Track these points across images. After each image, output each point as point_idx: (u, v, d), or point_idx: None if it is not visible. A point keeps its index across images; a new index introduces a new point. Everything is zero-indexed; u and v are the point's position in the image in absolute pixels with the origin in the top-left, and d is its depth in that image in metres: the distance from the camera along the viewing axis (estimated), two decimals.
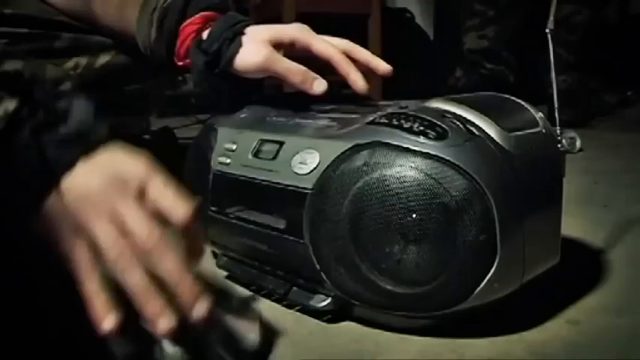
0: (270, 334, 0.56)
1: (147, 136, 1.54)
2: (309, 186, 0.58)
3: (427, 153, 0.53)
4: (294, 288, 0.64)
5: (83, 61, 0.85)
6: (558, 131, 0.78)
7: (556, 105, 0.79)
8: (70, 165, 0.50)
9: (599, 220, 0.92)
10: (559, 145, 0.65)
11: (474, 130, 0.55)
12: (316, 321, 0.61)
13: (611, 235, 0.84)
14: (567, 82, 1.85)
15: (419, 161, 0.53)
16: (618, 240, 0.83)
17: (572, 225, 0.83)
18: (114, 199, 0.49)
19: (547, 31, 0.79)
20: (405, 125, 0.55)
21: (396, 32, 2.41)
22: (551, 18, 0.80)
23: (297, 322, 0.61)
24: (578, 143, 1.47)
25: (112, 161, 0.52)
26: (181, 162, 0.77)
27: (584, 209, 0.98)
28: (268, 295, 0.66)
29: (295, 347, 0.57)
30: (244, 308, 0.58)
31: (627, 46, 2.36)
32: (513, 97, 0.65)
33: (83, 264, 0.49)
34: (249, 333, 0.55)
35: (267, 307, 0.65)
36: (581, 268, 0.74)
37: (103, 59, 0.87)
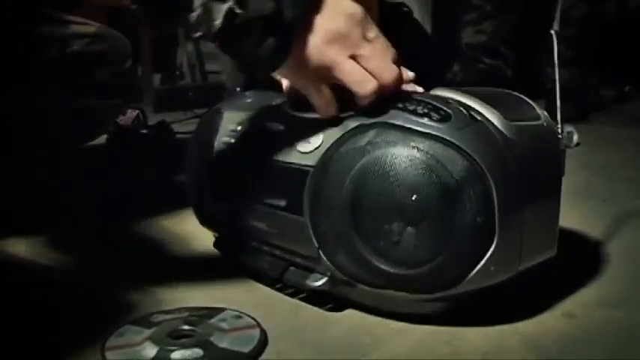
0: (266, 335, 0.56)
1: (144, 131, 1.54)
2: (311, 163, 0.59)
3: (430, 134, 0.54)
4: (291, 268, 0.64)
5: (54, 49, 0.88)
6: (559, 127, 0.78)
7: (558, 103, 0.79)
8: (304, 9, 0.57)
9: (597, 214, 0.92)
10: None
11: (477, 116, 0.56)
12: (311, 312, 0.61)
13: (609, 229, 0.84)
14: (565, 77, 1.84)
15: (422, 142, 0.54)
16: (616, 234, 0.83)
17: (571, 218, 0.83)
18: (356, 41, 0.58)
19: (552, 32, 0.79)
20: (410, 107, 0.56)
21: (393, 27, 2.40)
22: (557, 18, 0.79)
23: (293, 313, 0.61)
24: (575, 138, 1.47)
25: (336, 4, 0.59)
26: (179, 156, 0.77)
27: (583, 203, 0.98)
28: (264, 277, 0.67)
29: (291, 339, 0.56)
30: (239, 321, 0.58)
31: (626, 40, 2.35)
32: (514, 92, 0.65)
33: (325, 100, 0.59)
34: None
35: (264, 298, 0.65)
36: (578, 262, 0.74)
37: (75, 47, 0.90)
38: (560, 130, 0.65)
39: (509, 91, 0.66)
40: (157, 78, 2.48)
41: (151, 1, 0.57)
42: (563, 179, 0.63)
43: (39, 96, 0.92)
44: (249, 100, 0.73)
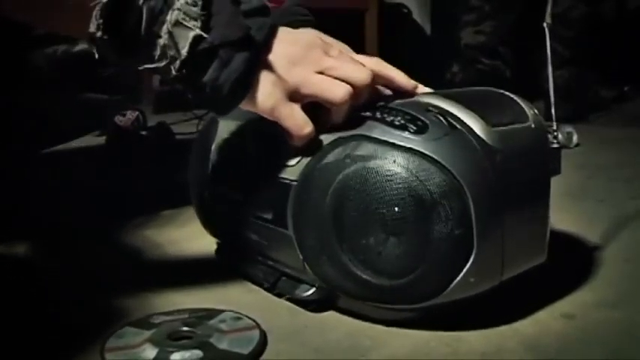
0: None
1: (144, 132, 1.54)
2: (294, 177, 0.59)
3: (406, 147, 0.54)
4: (283, 277, 0.65)
5: (61, 48, 0.88)
6: (555, 126, 0.78)
7: (552, 100, 0.79)
8: (269, 35, 0.57)
9: (595, 215, 0.92)
10: (555, 141, 0.65)
11: (456, 124, 0.55)
12: (311, 314, 0.61)
13: (607, 230, 0.84)
14: (564, 77, 1.85)
15: (398, 155, 0.54)
16: (613, 234, 0.83)
17: (568, 219, 0.84)
18: (318, 58, 0.58)
19: (544, 24, 0.79)
20: (388, 119, 0.56)
21: (393, 28, 2.40)
22: (549, 11, 0.79)
23: (291, 315, 0.62)
24: (575, 138, 1.47)
25: (294, 32, 0.60)
26: (178, 157, 0.78)
27: (580, 204, 0.98)
28: (260, 284, 0.67)
29: (290, 341, 0.57)
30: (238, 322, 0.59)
31: (625, 41, 2.36)
32: (506, 92, 0.65)
33: (298, 121, 0.58)
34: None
35: (263, 300, 0.65)
36: (575, 263, 0.74)
37: (81, 46, 0.90)
38: (554, 128, 0.65)
39: (499, 91, 0.65)
40: (156, 79, 2.47)
41: (115, 34, 0.53)
42: (561, 179, 0.63)
43: (41, 94, 0.92)
44: (245, 109, 0.73)
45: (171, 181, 0.77)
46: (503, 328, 0.58)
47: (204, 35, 0.54)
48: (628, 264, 0.74)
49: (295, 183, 0.59)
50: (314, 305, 0.62)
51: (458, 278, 0.53)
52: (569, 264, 0.71)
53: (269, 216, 0.62)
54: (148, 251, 0.82)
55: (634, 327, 0.59)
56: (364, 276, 0.55)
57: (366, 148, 0.55)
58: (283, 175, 0.61)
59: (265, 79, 0.57)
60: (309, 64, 0.58)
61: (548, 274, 0.63)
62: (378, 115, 0.57)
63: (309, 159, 0.59)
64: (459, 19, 2.10)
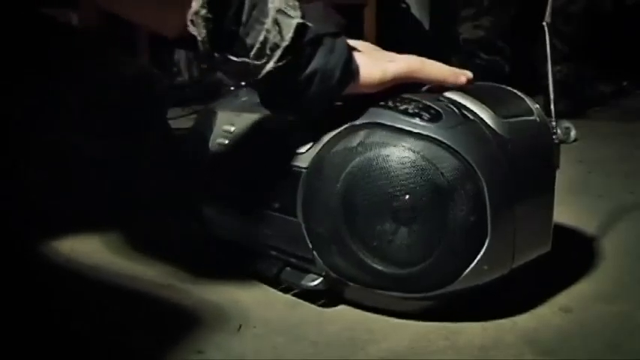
0: None
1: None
2: (304, 165, 0.59)
3: (421, 134, 0.54)
4: (287, 268, 0.64)
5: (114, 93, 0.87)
6: (554, 122, 0.78)
7: (552, 97, 0.79)
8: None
9: (594, 209, 0.92)
10: (554, 136, 0.65)
11: (468, 115, 0.56)
12: (309, 308, 0.61)
13: (605, 224, 0.84)
14: (562, 72, 1.85)
15: (412, 142, 0.53)
16: (612, 229, 0.83)
17: (567, 214, 0.83)
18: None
19: (544, 23, 0.78)
20: (401, 107, 0.56)
21: (391, 22, 2.40)
22: (549, 11, 0.79)
23: (290, 309, 0.62)
24: (573, 133, 1.47)
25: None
26: (177, 151, 0.77)
27: (579, 198, 0.98)
28: (261, 276, 0.67)
29: (287, 334, 0.57)
30: None
31: (623, 36, 2.36)
32: (509, 87, 0.65)
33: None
34: None
35: (259, 294, 0.65)
36: (574, 256, 0.74)
37: (115, 91, 0.88)
38: (553, 124, 0.66)
39: (502, 86, 0.66)
40: None
41: (216, 19, 0.52)
42: (560, 174, 0.63)
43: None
44: (243, 100, 0.73)
45: (168, 177, 0.76)
46: (502, 321, 0.58)
47: (308, 24, 0.54)
48: (626, 258, 0.74)
49: (306, 170, 0.59)
50: (321, 296, 0.61)
51: (471, 266, 0.53)
52: (568, 258, 0.71)
53: (276, 204, 0.62)
54: (144, 245, 0.82)
55: (632, 321, 0.59)
56: (376, 264, 0.55)
57: (378, 136, 0.55)
58: (293, 162, 0.60)
59: (360, 58, 0.58)
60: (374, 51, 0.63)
61: (547, 267, 0.63)
62: (390, 103, 0.57)
63: (319, 146, 0.58)
64: (457, 14, 2.09)
